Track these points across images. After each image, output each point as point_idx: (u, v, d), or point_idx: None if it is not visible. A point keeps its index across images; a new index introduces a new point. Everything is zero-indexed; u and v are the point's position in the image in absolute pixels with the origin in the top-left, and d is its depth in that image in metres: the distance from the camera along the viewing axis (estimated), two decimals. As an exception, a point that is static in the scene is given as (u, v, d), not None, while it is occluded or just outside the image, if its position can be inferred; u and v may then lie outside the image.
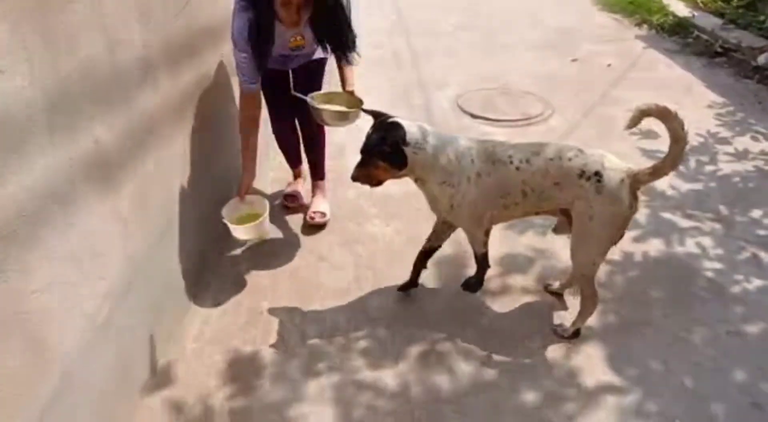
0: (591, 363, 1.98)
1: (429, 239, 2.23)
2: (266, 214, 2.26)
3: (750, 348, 2.03)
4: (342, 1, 2.25)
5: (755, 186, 3.09)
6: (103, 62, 1.62)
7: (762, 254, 2.52)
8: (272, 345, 2.07)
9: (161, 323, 2.03)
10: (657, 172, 1.85)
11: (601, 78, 4.63)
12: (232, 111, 2.63)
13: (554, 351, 2.03)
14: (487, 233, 2.09)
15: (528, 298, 2.29)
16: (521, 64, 4.91)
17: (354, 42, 2.38)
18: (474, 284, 2.21)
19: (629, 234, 2.67)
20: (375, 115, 2.01)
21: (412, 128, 1.91)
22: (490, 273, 2.42)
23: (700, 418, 1.78)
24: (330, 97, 2.38)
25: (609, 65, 4.84)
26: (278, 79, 2.50)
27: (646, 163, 3.26)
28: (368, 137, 1.94)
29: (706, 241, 2.62)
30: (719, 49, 4.99)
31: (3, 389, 1.22)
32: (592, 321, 2.13)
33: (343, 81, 2.48)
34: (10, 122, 1.25)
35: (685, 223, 2.76)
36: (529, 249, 2.58)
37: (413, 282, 2.28)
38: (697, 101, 4.19)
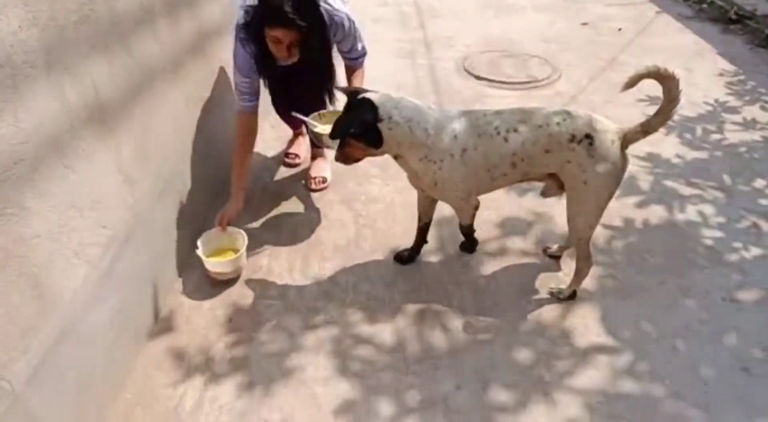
0: (585, 325, 2.01)
1: (419, 218, 2.22)
2: (244, 250, 2.14)
3: (744, 314, 2.05)
4: (327, 52, 2.26)
5: (761, 156, 3.06)
6: (102, 8, 1.58)
7: (762, 223, 2.52)
8: (271, 299, 2.10)
9: (162, 274, 2.05)
10: (647, 130, 1.83)
11: (611, 42, 4.52)
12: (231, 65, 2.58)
13: (549, 312, 2.05)
14: (476, 207, 2.07)
15: (526, 260, 2.30)
16: (529, 26, 4.80)
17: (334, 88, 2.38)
18: (469, 246, 2.28)
19: (631, 201, 2.67)
20: (348, 93, 1.91)
21: (386, 103, 1.81)
22: (489, 234, 2.44)
23: (689, 380, 1.81)
24: (330, 118, 2.15)
25: (620, 29, 4.72)
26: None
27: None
28: (339, 118, 1.87)
29: (708, 209, 2.61)
30: (734, 17, 4.86)
31: (7, 326, 1.24)
32: (588, 284, 2.15)
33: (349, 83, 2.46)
34: (8, 64, 1.23)
35: (687, 191, 2.75)
36: (529, 212, 2.58)
37: (411, 257, 2.27)
38: (708, 69, 4.11)
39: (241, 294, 2.12)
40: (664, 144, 3.15)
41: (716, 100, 3.64)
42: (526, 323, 2.01)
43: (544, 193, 2.08)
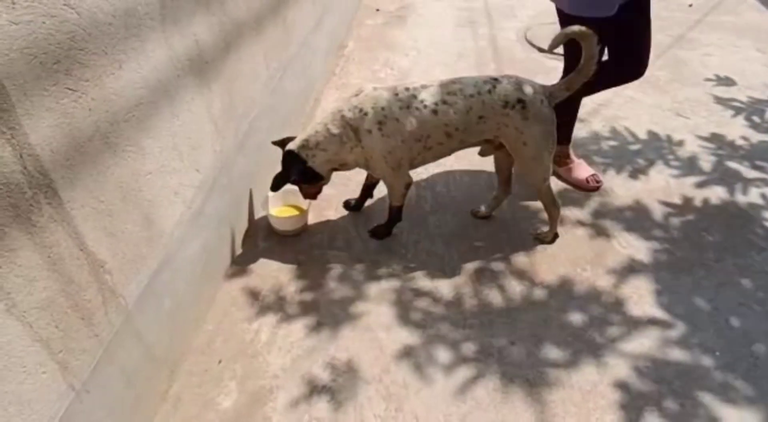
0: (639, 295, 2.06)
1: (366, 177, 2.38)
2: (307, 209, 2.31)
3: (800, 296, 2.07)
4: None
5: (831, 142, 2.97)
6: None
7: (827, 210, 2.48)
8: (337, 250, 2.23)
9: (239, 219, 2.21)
10: (569, 87, 1.95)
11: (680, 18, 4.38)
12: (311, 16, 2.67)
13: (603, 281, 2.12)
14: (407, 187, 2.13)
15: (582, 231, 2.36)
16: (595, -2, 4.68)
17: None
18: (381, 232, 2.29)
19: (691, 180, 2.67)
20: (280, 144, 2.11)
21: (301, 148, 2.02)
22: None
23: (740, 354, 1.86)
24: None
25: (690, 5, 4.56)
26: None
27: (721, 112, 3.22)
28: (276, 174, 2.08)
29: (771, 193, 2.59)
30: (816, -5, 4.61)
31: (125, 250, 1.41)
32: (643, 256, 2.20)
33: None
34: (134, 14, 1.35)
35: (751, 174, 2.72)
36: (587, 185, 2.62)
37: (358, 205, 2.44)
38: (783, 50, 3.95)
39: (310, 243, 2.27)
40: (731, 125, 3.10)
41: (788, 83, 3.52)
42: (581, 289, 2.08)
43: (482, 153, 2.21)
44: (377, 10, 4.59)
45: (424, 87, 1.98)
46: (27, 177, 1.07)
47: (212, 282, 2.01)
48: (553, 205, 2.19)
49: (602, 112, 3.20)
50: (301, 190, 2.20)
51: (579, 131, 3.03)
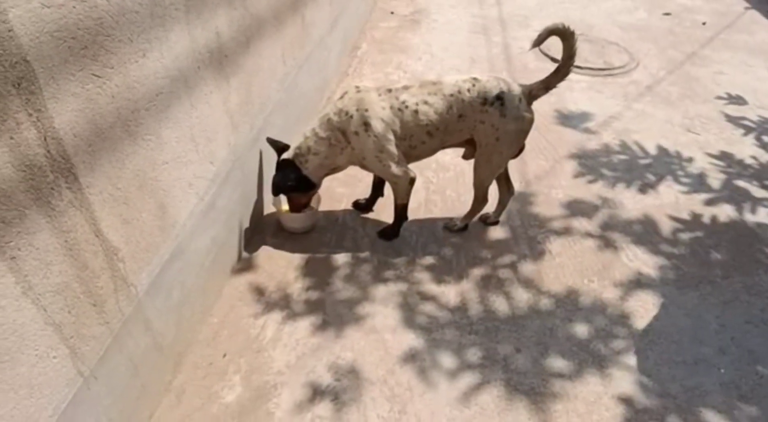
0: (645, 309, 2.06)
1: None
2: (317, 207, 2.31)
3: (806, 318, 2.07)
4: None
5: (841, 166, 2.97)
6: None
7: (835, 233, 2.48)
8: (345, 250, 2.23)
9: (249, 214, 2.20)
10: (548, 86, 1.99)
11: (693, 35, 4.40)
12: (328, 17, 2.67)
13: (610, 293, 2.12)
14: (411, 182, 2.11)
15: (589, 242, 2.36)
16: (609, 11, 4.70)
17: None
18: (389, 234, 2.28)
19: (700, 197, 2.67)
20: (276, 149, 2.14)
21: (295, 156, 2.05)
22: (554, 213, 2.50)
23: (745, 372, 1.86)
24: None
25: (704, 23, 4.57)
26: None
27: (731, 130, 3.23)
28: (273, 183, 2.12)
29: (779, 213, 2.59)
30: (829, 19, 4.62)
31: (138, 239, 1.40)
32: (650, 271, 2.20)
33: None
34: (160, 4, 1.35)
35: (760, 193, 2.72)
36: (595, 196, 2.62)
37: (368, 205, 2.43)
38: (795, 71, 3.96)
39: (318, 242, 2.26)
40: (741, 144, 3.10)
41: (799, 105, 3.52)
42: (587, 300, 2.08)
43: (465, 157, 2.24)
44: (392, 13, 4.60)
45: (405, 88, 2.00)
46: (50, 160, 1.06)
47: (220, 275, 2.01)
48: (482, 201, 2.27)
49: (613, 125, 3.21)
50: (290, 200, 2.21)
51: (589, 143, 3.03)
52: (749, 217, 2.56)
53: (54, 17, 1.03)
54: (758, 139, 3.17)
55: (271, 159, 2.22)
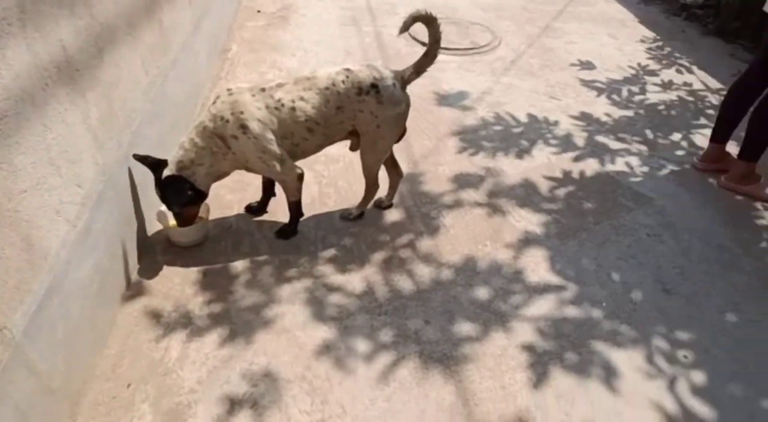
0: (535, 263, 2.24)
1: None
2: (207, 217, 2.22)
3: (664, 245, 2.36)
4: None
5: (677, 113, 3.41)
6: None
7: (678, 170, 2.85)
8: (243, 256, 2.18)
9: (133, 235, 2.07)
10: (419, 70, 2.12)
11: (544, 10, 4.78)
12: (189, 19, 2.57)
13: (503, 254, 2.27)
14: (300, 178, 2.12)
15: (478, 210, 2.50)
16: (468, -6, 4.96)
17: None
18: (287, 232, 2.27)
19: (569, 155, 2.93)
20: (150, 166, 2.00)
21: (182, 169, 1.96)
22: (443, 188, 2.62)
23: (621, 301, 2.09)
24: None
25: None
26: None
27: (586, 93, 3.56)
28: (161, 198, 2.03)
29: (633, 161, 2.92)
30: (652, -13, 5.24)
31: (6, 278, 1.28)
32: (536, 228, 2.39)
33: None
34: (-14, 17, 1.23)
35: (616, 145, 3.05)
36: (480, 167, 2.78)
37: (261, 207, 2.38)
38: (631, 35, 4.45)
39: (213, 252, 2.19)
40: (596, 105, 3.44)
41: (639, 64, 3.98)
42: (484, 264, 2.21)
43: (352, 148, 2.28)
44: (258, 11, 4.51)
45: (280, 86, 1.99)
46: None
47: (110, 304, 1.88)
48: (374, 185, 2.32)
49: (486, 100, 3.41)
50: (178, 214, 2.06)
51: (467, 119, 3.21)
52: (610, 167, 2.86)
53: None
54: (609, 98, 3.53)
55: (145, 174, 2.11)
